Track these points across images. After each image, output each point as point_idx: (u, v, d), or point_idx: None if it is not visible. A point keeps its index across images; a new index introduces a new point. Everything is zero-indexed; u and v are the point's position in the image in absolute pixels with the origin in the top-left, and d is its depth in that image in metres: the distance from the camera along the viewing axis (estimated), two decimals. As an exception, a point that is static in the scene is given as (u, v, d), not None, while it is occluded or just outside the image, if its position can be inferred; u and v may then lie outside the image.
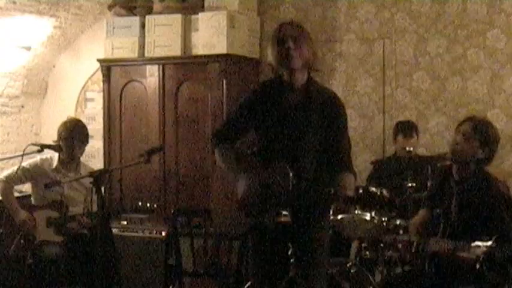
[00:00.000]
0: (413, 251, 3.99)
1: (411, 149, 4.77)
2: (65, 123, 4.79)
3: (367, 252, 4.49)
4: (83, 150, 4.84)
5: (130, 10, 6.08)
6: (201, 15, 5.69)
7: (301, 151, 3.22)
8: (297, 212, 3.21)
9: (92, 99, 6.61)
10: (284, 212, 3.20)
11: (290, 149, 3.24)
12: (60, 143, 4.71)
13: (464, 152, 3.72)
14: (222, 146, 3.40)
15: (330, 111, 3.27)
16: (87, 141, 4.84)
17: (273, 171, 3.19)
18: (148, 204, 4.47)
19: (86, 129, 4.85)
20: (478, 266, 3.36)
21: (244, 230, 3.37)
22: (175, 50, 5.71)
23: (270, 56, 3.28)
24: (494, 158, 3.83)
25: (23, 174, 4.73)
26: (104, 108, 6.03)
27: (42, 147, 4.61)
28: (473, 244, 3.42)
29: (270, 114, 3.29)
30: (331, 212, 3.56)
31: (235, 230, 3.46)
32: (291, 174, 3.13)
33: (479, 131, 3.70)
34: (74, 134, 4.72)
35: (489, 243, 3.37)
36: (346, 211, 3.21)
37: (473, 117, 3.80)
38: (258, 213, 3.24)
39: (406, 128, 5.11)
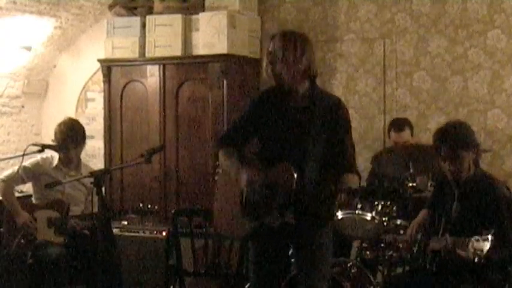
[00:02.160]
0: (414, 250, 3.99)
1: (409, 140, 4.77)
2: (59, 125, 4.76)
3: (368, 252, 4.49)
4: (80, 151, 4.81)
5: (131, 10, 6.08)
6: (201, 15, 5.69)
7: (305, 154, 3.22)
8: (300, 213, 3.21)
9: (92, 99, 6.61)
10: (288, 213, 3.20)
11: (294, 152, 3.23)
12: (57, 144, 4.72)
13: (463, 172, 3.72)
14: (226, 149, 3.41)
15: (333, 115, 3.27)
16: (83, 143, 4.81)
17: (277, 172, 3.20)
18: (149, 206, 4.46)
19: (82, 130, 4.80)
20: (476, 260, 3.35)
21: (245, 233, 3.35)
22: (176, 50, 5.71)
23: (264, 71, 3.31)
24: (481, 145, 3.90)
25: (24, 174, 4.73)
26: (104, 108, 6.03)
27: (43, 147, 4.60)
28: (472, 239, 3.41)
29: (273, 119, 3.30)
30: (335, 213, 3.56)
31: (236, 232, 3.44)
32: (295, 174, 3.13)
33: (457, 144, 3.67)
34: (67, 137, 4.70)
35: (487, 237, 3.37)
36: (349, 205, 3.19)
37: (440, 135, 3.77)
38: (261, 214, 3.24)
39: (397, 123, 5.13)
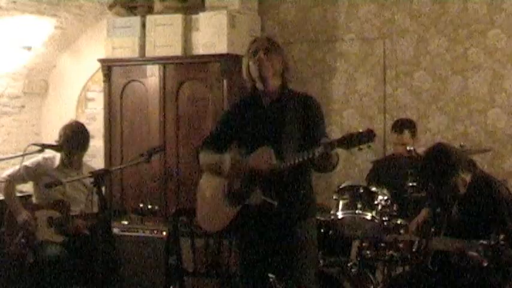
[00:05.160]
0: (414, 250, 4.00)
1: (412, 148, 4.78)
2: (65, 128, 4.76)
3: (368, 252, 4.49)
4: (83, 155, 4.85)
5: (131, 10, 6.08)
6: (201, 15, 5.69)
7: (281, 144, 3.33)
8: (281, 193, 3.30)
9: (92, 99, 6.61)
10: (270, 193, 3.29)
11: (270, 141, 3.34)
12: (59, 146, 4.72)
13: (460, 189, 3.72)
14: (206, 151, 3.56)
15: (303, 106, 3.43)
16: (87, 147, 4.84)
17: (256, 154, 3.32)
18: (149, 206, 4.46)
19: (87, 134, 4.83)
20: (486, 264, 3.36)
21: (227, 222, 3.41)
22: (176, 50, 5.71)
23: (244, 69, 3.52)
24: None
25: (26, 173, 4.73)
26: (104, 108, 6.03)
27: (43, 147, 4.61)
28: (480, 242, 3.42)
29: (248, 118, 3.49)
30: (316, 208, 3.61)
31: (217, 224, 3.52)
32: (273, 154, 3.26)
33: (440, 178, 3.69)
34: (73, 141, 4.71)
35: (494, 241, 3.37)
36: (330, 157, 3.22)
37: (423, 173, 3.79)
38: (244, 196, 3.33)
39: (397, 125, 5.13)
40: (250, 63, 3.46)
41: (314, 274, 3.49)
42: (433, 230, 3.92)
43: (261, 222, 3.38)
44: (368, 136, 3.02)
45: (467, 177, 3.72)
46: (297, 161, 3.20)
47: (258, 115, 3.47)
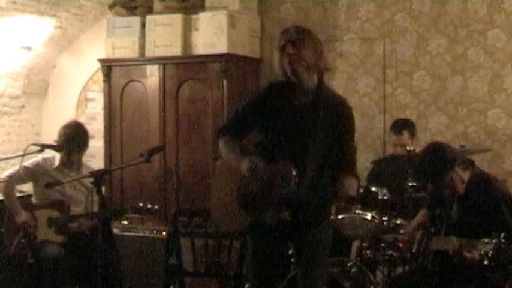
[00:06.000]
0: (414, 250, 3.99)
1: (411, 148, 4.78)
2: (64, 129, 4.76)
3: (368, 252, 4.49)
4: (82, 154, 4.84)
5: (131, 10, 6.08)
6: (201, 15, 5.69)
7: (306, 153, 3.20)
8: (297, 211, 3.20)
9: (92, 99, 6.61)
10: (284, 210, 3.20)
11: (295, 150, 3.22)
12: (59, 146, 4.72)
13: (459, 188, 3.74)
14: (226, 139, 3.38)
15: (338, 116, 3.26)
16: (86, 147, 4.83)
17: (276, 168, 3.18)
18: (149, 206, 4.46)
19: (86, 134, 4.83)
20: (486, 263, 3.36)
21: (243, 228, 3.34)
22: (176, 50, 5.71)
23: (276, 65, 3.26)
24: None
25: (25, 174, 4.73)
26: (104, 108, 6.03)
27: (43, 147, 4.61)
28: (482, 241, 3.42)
29: (277, 113, 3.27)
30: (332, 212, 3.57)
31: (233, 228, 3.43)
32: (293, 173, 3.12)
33: (436, 175, 3.70)
34: (72, 141, 4.71)
35: (496, 240, 3.37)
36: (347, 210, 3.21)
37: (420, 170, 3.80)
38: (258, 210, 3.23)
39: (396, 125, 5.13)
40: (281, 58, 3.21)
41: (324, 279, 3.44)
42: (432, 230, 3.92)
43: (275, 231, 3.28)
44: None
45: (465, 175, 3.73)
46: (315, 195, 3.13)
47: (288, 114, 3.26)
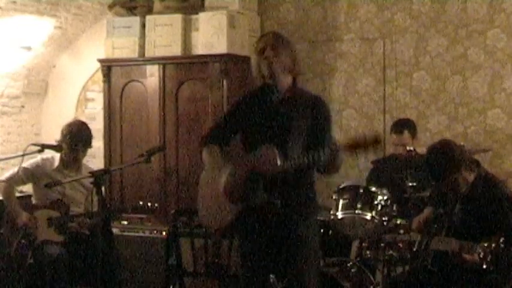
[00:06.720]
0: (414, 249, 3.99)
1: (412, 148, 4.78)
2: (69, 126, 4.74)
3: (368, 252, 4.50)
4: (85, 153, 4.84)
5: (131, 10, 6.08)
6: (201, 15, 5.69)
7: (286, 141, 3.31)
8: (285, 192, 3.31)
9: (92, 99, 6.62)
10: (273, 192, 3.28)
11: (275, 139, 3.33)
12: (63, 145, 4.70)
13: (462, 187, 3.74)
14: (209, 148, 3.52)
15: (313, 107, 3.40)
16: (90, 145, 4.84)
17: (260, 153, 3.30)
18: (149, 204, 4.46)
19: (90, 132, 4.83)
20: (485, 266, 3.36)
21: (226, 223, 3.39)
22: (176, 50, 5.71)
23: (253, 68, 3.46)
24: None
25: (24, 175, 4.72)
26: (104, 108, 6.03)
27: (43, 147, 4.60)
28: (481, 244, 3.42)
29: (256, 111, 3.45)
30: (319, 207, 3.62)
31: (217, 224, 3.48)
32: (277, 153, 3.23)
33: (443, 175, 3.71)
34: (78, 139, 4.70)
35: (495, 244, 3.37)
36: (335, 160, 3.25)
37: (427, 168, 3.80)
38: (247, 194, 3.31)
39: (396, 125, 5.13)
40: (259, 61, 3.41)
41: (316, 274, 3.47)
42: (435, 226, 3.92)
43: (263, 222, 3.37)
44: (375, 141, 3.09)
45: (470, 177, 3.72)
46: (301, 161, 3.20)
47: (266, 111, 3.43)
